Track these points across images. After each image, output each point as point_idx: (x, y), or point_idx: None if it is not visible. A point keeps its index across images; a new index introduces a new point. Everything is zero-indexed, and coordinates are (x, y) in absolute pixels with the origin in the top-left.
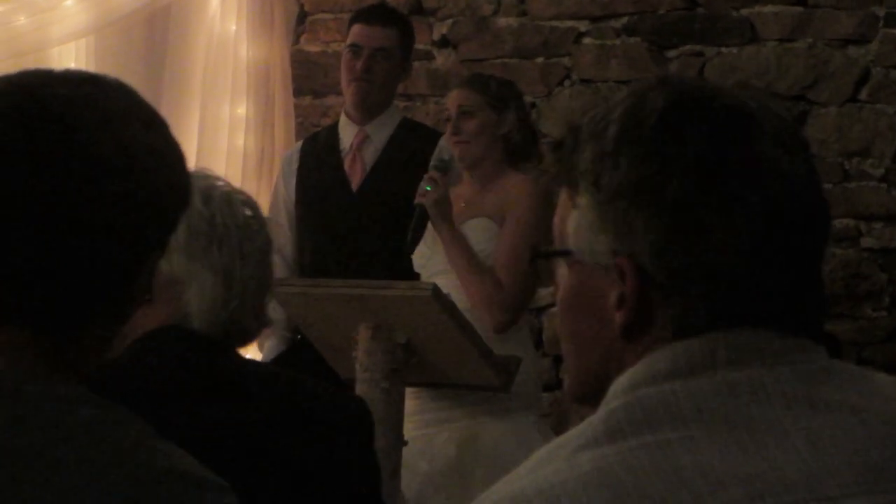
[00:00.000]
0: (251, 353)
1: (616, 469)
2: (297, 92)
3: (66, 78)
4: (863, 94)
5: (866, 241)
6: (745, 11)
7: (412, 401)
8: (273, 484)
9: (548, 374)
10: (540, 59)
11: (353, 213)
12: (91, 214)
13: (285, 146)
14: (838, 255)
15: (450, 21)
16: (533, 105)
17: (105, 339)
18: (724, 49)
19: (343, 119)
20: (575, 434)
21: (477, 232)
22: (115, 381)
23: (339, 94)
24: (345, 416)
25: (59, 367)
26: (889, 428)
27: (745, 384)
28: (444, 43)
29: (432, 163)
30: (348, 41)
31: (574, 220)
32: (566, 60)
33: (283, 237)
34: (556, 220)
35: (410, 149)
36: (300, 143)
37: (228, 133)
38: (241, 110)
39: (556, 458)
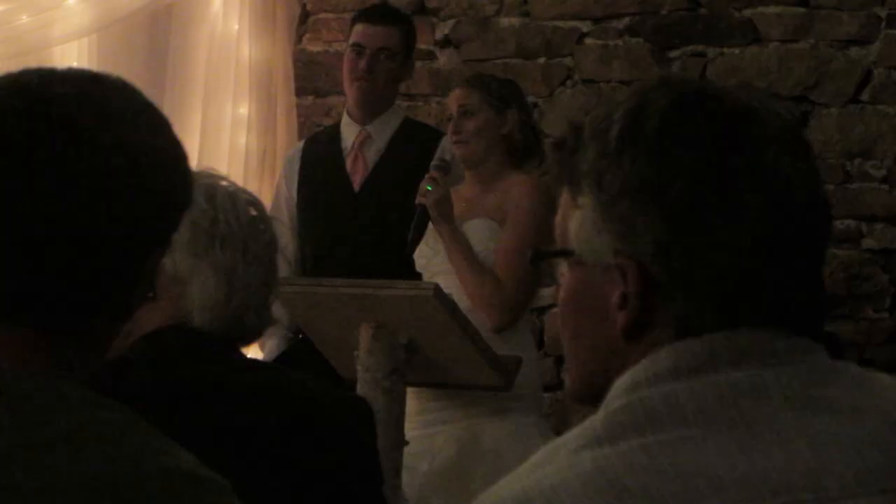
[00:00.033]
0: (252, 352)
1: (617, 469)
2: (300, 91)
3: (68, 76)
4: (864, 95)
5: (868, 242)
6: (747, 12)
7: (413, 400)
8: (275, 483)
9: (549, 375)
10: (542, 60)
11: (354, 213)
12: (93, 213)
13: (287, 146)
14: (840, 256)
15: (452, 21)
16: (535, 105)
17: (107, 337)
18: (726, 50)
19: (345, 118)
20: (576, 434)
21: (478, 232)
22: (118, 380)
23: (341, 93)
24: (348, 416)
25: (60, 366)
26: (890, 428)
27: (746, 384)
28: (446, 43)
29: (433, 163)
30: (351, 41)
31: (576, 220)
32: (568, 61)
33: (284, 237)
34: (558, 219)
35: (412, 149)
36: (302, 143)
37: (230, 132)
38: (244, 110)
39: (557, 457)
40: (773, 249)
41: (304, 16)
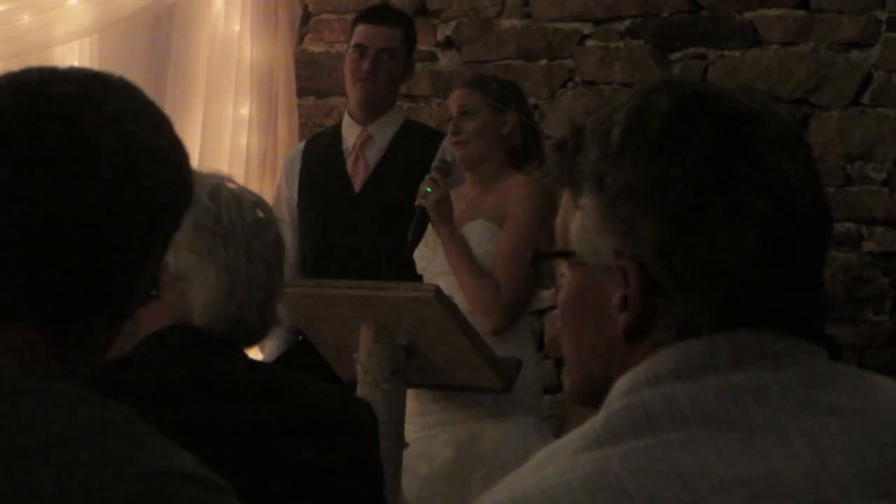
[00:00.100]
0: (252, 353)
1: (617, 470)
2: (301, 92)
3: (70, 75)
4: (865, 98)
5: (868, 245)
6: (748, 15)
7: (413, 402)
8: (276, 485)
9: (549, 377)
10: (543, 61)
11: (355, 214)
12: (93, 212)
13: (288, 146)
14: (840, 259)
15: (454, 22)
16: (536, 107)
17: (108, 336)
18: (726, 52)
19: (346, 119)
20: (576, 435)
21: (477, 234)
22: (121, 379)
23: (343, 94)
24: (349, 418)
25: (61, 366)
26: (890, 431)
27: (746, 386)
28: (447, 44)
29: (434, 164)
30: (353, 41)
31: (577, 222)
32: (569, 62)
33: (286, 238)
34: (559, 220)
35: (413, 150)
36: (303, 144)
37: (232, 133)
38: (245, 110)
39: (557, 459)
40: (774, 251)
41: (306, 16)
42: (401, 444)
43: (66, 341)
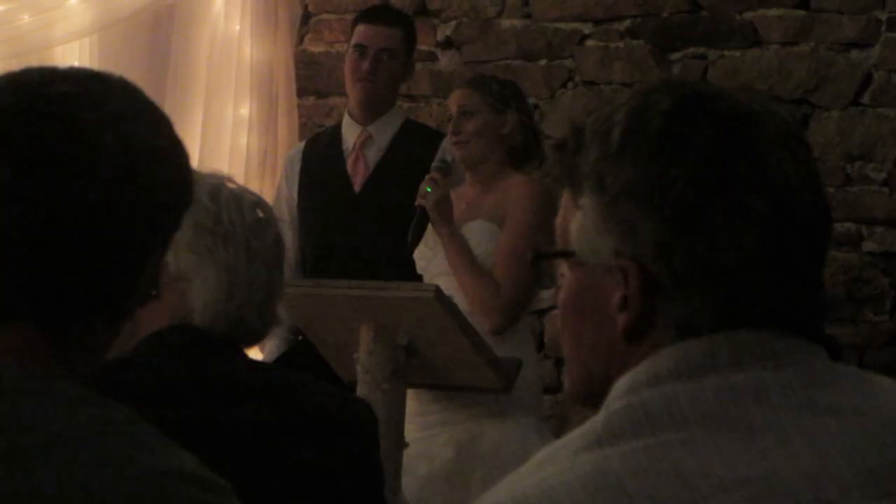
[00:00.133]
0: (252, 353)
1: (617, 470)
2: (301, 92)
3: (70, 75)
4: (865, 98)
5: (868, 245)
6: (748, 15)
7: (413, 402)
8: (276, 485)
9: (549, 377)
10: (543, 61)
11: (355, 214)
12: (93, 211)
13: (288, 146)
14: (840, 259)
15: (454, 22)
16: (536, 107)
17: (108, 336)
18: (727, 52)
19: (346, 119)
20: (576, 435)
21: (477, 234)
22: (121, 379)
23: (343, 94)
24: (349, 418)
25: (61, 365)
26: (890, 431)
27: (746, 386)
28: (447, 44)
29: (434, 164)
30: (353, 41)
31: (577, 222)
32: (569, 62)
33: (287, 239)
34: (559, 220)
35: (413, 150)
36: (303, 144)
37: (232, 133)
38: (245, 110)
39: (557, 459)
40: (774, 251)
41: (306, 16)
42: (401, 444)
43: (66, 341)
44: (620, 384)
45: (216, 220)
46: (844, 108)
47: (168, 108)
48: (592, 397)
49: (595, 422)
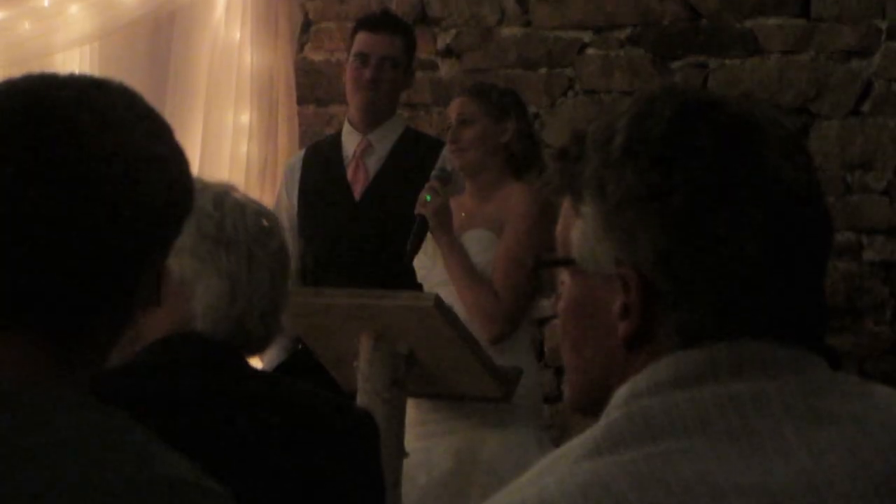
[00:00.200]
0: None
1: (618, 479)
2: (301, 100)
3: (70, 81)
4: (865, 107)
5: (868, 255)
6: (748, 23)
7: (412, 411)
8: (277, 493)
9: (549, 386)
10: (543, 70)
11: (355, 222)
12: (92, 217)
13: (288, 154)
14: (840, 269)
15: (454, 31)
16: (536, 116)
17: (108, 343)
18: (727, 61)
19: (346, 127)
20: (576, 444)
21: (476, 243)
22: (122, 386)
23: (343, 102)
24: (351, 427)
25: (60, 372)
26: (890, 439)
27: (747, 394)
28: (447, 53)
29: (434, 172)
30: (354, 49)
31: (578, 229)
32: (570, 71)
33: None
34: (560, 228)
35: (413, 158)
36: (303, 152)
37: (232, 141)
38: (245, 118)
39: (557, 468)
40: (775, 259)
41: (307, 24)
42: (401, 453)
43: (66, 348)
44: (621, 393)
45: (219, 227)
46: (844, 116)
47: (168, 116)
48: (592, 406)
49: (595, 430)
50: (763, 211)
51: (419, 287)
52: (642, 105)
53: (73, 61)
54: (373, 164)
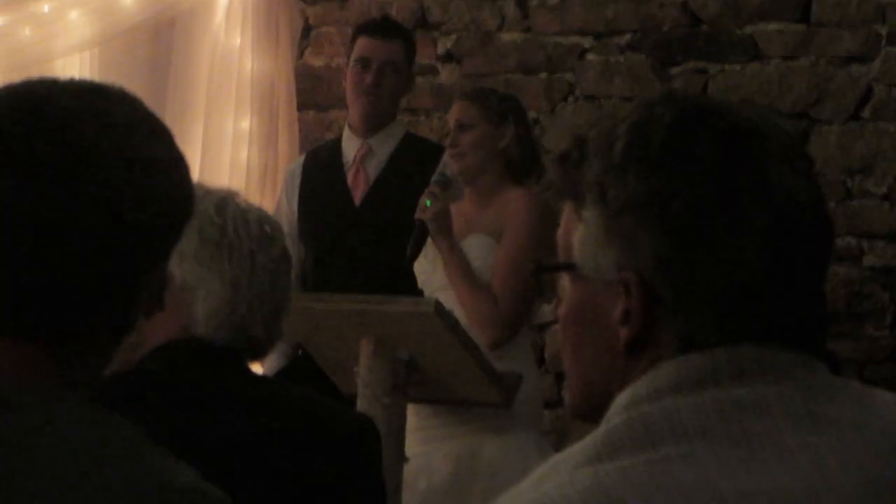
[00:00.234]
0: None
1: (618, 485)
2: (301, 105)
3: (70, 87)
4: (865, 113)
5: (868, 260)
6: (748, 29)
7: (413, 417)
8: (278, 498)
9: (549, 391)
10: (543, 75)
11: (355, 227)
12: (91, 220)
13: (289, 160)
14: (840, 274)
15: (454, 36)
16: (536, 121)
17: (109, 349)
18: (727, 66)
19: (346, 132)
20: (577, 450)
21: (476, 248)
22: (123, 392)
23: (343, 107)
24: (352, 433)
25: (61, 373)
26: (890, 445)
27: (747, 400)
28: (448, 58)
29: (434, 177)
30: (355, 55)
31: (579, 234)
32: (570, 76)
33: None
34: (560, 233)
35: (413, 163)
36: (303, 157)
37: (232, 146)
38: (245, 124)
39: (557, 473)
40: (775, 265)
41: (307, 30)
42: (401, 458)
43: (67, 354)
44: (621, 398)
45: (221, 232)
46: (845, 122)
47: (168, 122)
48: (593, 411)
49: (595, 436)
50: (763, 216)
51: (419, 292)
52: (643, 111)
53: (73, 67)
54: (373, 169)
